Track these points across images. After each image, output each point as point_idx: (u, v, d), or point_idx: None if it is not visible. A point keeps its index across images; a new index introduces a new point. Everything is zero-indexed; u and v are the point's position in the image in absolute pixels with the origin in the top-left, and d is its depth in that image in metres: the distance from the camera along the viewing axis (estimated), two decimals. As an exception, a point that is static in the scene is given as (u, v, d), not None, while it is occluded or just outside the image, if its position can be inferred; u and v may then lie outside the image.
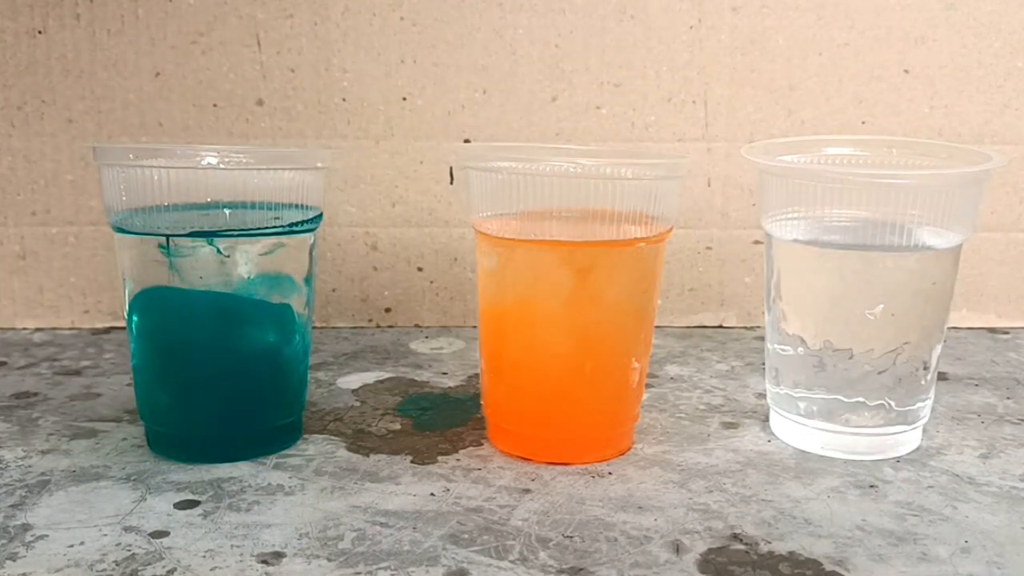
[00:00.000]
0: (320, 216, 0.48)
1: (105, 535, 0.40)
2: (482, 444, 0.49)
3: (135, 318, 0.46)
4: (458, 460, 0.47)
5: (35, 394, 0.56)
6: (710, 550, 0.39)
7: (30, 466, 0.46)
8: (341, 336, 0.69)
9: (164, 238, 0.44)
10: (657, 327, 0.55)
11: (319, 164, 0.47)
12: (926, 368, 0.47)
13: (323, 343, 0.67)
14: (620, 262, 0.45)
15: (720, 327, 0.72)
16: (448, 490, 0.44)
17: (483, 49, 0.67)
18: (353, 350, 0.66)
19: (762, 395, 0.57)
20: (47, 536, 0.40)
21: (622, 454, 0.48)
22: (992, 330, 0.71)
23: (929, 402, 0.48)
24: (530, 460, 0.47)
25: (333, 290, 0.71)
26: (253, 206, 0.45)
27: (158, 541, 0.39)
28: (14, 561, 0.38)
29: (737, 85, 0.68)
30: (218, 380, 0.46)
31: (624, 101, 0.68)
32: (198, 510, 0.42)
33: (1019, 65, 0.68)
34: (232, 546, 0.39)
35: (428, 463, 0.47)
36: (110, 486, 0.44)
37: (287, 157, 0.47)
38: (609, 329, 0.46)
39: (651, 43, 0.67)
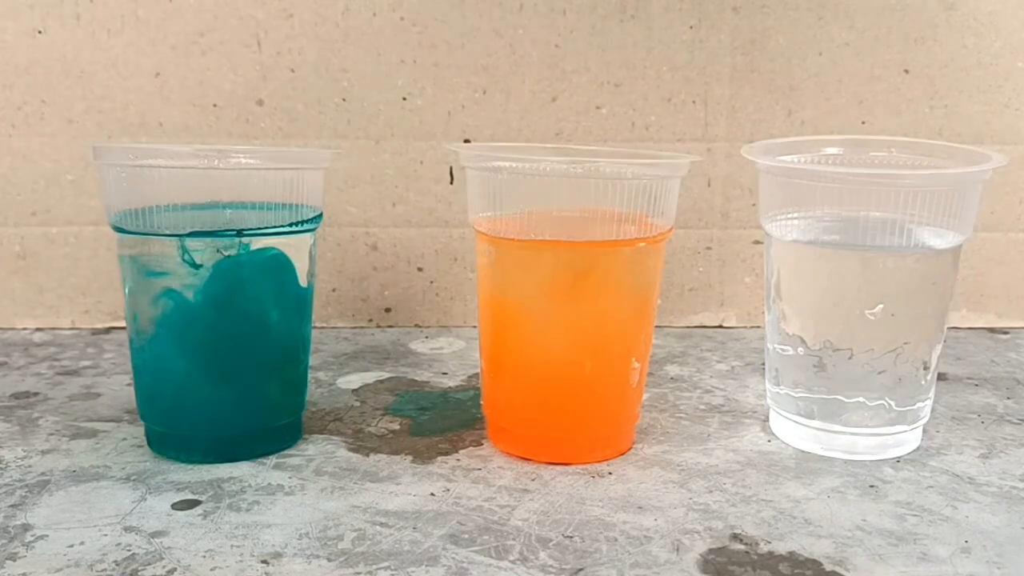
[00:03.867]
0: (320, 216, 0.48)
1: (105, 535, 0.40)
2: (482, 444, 0.49)
3: (136, 315, 0.46)
4: (458, 460, 0.47)
5: (35, 394, 0.56)
6: (710, 550, 0.39)
7: (30, 466, 0.46)
8: (341, 336, 0.69)
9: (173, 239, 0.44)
10: (657, 327, 0.55)
11: (319, 164, 0.47)
12: (926, 368, 0.47)
13: (323, 343, 0.67)
14: (620, 262, 0.45)
15: (720, 327, 0.72)
16: (448, 490, 0.44)
17: (483, 49, 0.67)
18: (353, 350, 0.65)
19: (762, 395, 0.57)
20: (47, 536, 0.40)
21: (622, 454, 0.48)
22: (992, 330, 0.71)
23: (929, 402, 0.48)
24: (530, 460, 0.47)
25: (333, 290, 0.71)
26: (253, 206, 0.45)
27: (158, 541, 0.39)
28: (14, 561, 0.38)
29: (737, 85, 0.68)
30: (218, 375, 0.46)
31: (624, 101, 0.68)
32: (198, 510, 0.42)
33: (1019, 65, 0.68)
34: (232, 546, 0.39)
35: (428, 463, 0.47)
36: (110, 486, 0.44)
37: (287, 157, 0.47)
38: (609, 329, 0.46)
39: (651, 43, 0.67)
